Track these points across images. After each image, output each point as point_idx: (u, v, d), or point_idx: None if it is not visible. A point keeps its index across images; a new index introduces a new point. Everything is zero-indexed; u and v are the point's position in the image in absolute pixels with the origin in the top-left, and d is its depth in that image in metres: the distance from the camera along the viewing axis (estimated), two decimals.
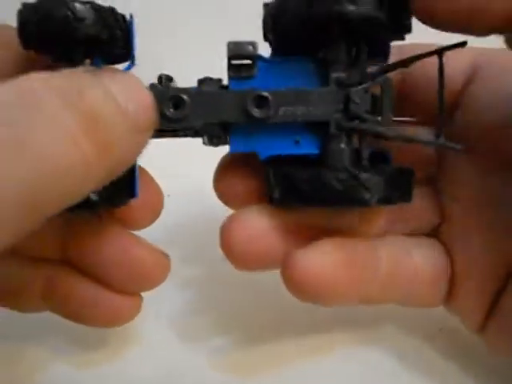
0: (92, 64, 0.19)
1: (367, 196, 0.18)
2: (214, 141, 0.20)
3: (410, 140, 0.19)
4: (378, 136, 0.19)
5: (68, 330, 0.24)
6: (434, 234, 0.23)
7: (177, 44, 0.34)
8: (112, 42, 0.18)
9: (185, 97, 0.19)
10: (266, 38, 0.20)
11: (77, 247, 0.21)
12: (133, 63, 0.19)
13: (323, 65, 0.19)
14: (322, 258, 0.19)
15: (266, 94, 0.19)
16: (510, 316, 0.21)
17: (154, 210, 0.21)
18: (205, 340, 0.25)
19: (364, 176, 0.18)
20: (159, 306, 0.25)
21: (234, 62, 0.19)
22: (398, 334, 0.25)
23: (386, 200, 0.18)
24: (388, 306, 0.24)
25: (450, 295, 0.22)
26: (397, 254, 0.21)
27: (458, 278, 0.22)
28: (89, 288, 0.21)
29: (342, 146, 0.19)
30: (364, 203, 0.18)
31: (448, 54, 0.18)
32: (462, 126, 0.21)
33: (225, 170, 0.21)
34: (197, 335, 0.25)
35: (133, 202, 0.20)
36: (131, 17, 0.19)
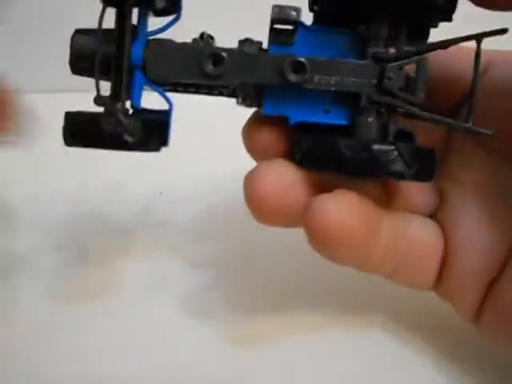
0: (139, 13, 0.20)
1: (376, 167, 0.18)
2: (247, 101, 0.21)
3: (440, 122, 0.19)
4: (408, 114, 0.20)
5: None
6: (431, 215, 0.23)
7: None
8: None
9: (224, 54, 0.19)
10: (311, 9, 0.20)
11: None
12: (179, 15, 0.20)
13: (362, 40, 0.20)
14: (342, 208, 0.19)
15: (303, 59, 0.19)
16: (506, 300, 0.21)
17: None
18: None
19: (377, 148, 0.18)
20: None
21: (277, 26, 0.20)
22: (396, 331, 0.25)
23: (403, 176, 0.19)
24: (386, 302, 0.25)
25: (442, 276, 0.22)
26: (397, 224, 0.22)
27: (451, 258, 0.22)
28: None
29: (371, 119, 0.20)
30: (373, 175, 0.19)
31: (465, 51, 0.19)
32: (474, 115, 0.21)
33: (257, 122, 0.21)
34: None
35: None
36: None
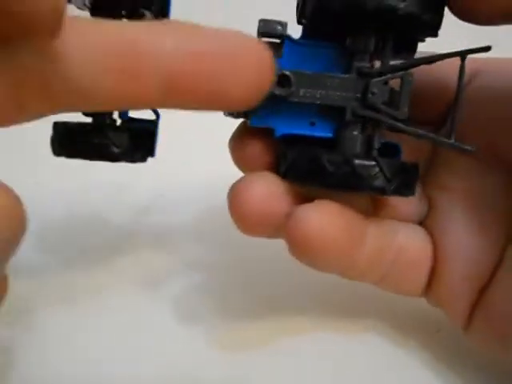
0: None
1: (357, 183, 0.19)
2: (234, 113, 0.21)
3: (423, 136, 0.19)
4: (392, 128, 0.20)
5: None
6: (420, 222, 0.23)
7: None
8: None
9: None
10: (299, 22, 0.21)
11: None
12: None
13: (348, 53, 0.20)
14: (323, 217, 0.20)
15: (288, 73, 0.19)
16: (496, 306, 0.21)
17: None
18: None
19: (358, 163, 0.19)
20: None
21: (263, 39, 0.20)
22: (395, 336, 0.25)
23: (384, 191, 0.19)
24: (385, 307, 0.25)
25: (431, 283, 0.23)
26: (384, 233, 0.22)
27: (441, 265, 0.22)
28: None
29: (355, 133, 0.20)
30: (355, 190, 0.19)
31: (451, 60, 0.19)
32: (460, 124, 0.21)
33: (243, 134, 0.22)
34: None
35: None
36: None
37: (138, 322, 0.25)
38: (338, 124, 0.20)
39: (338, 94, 0.20)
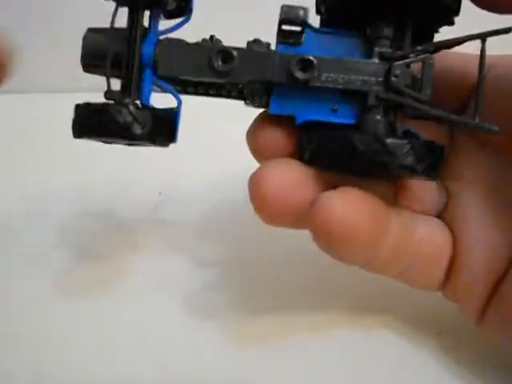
0: (150, 14, 0.20)
1: (389, 160, 0.18)
2: (255, 101, 0.21)
3: (447, 118, 0.19)
4: (415, 113, 0.20)
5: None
6: (438, 215, 0.23)
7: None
8: None
9: (234, 52, 0.20)
10: (318, 11, 0.21)
11: None
12: (189, 17, 0.21)
13: (369, 41, 0.20)
14: (347, 203, 0.19)
15: (311, 57, 0.20)
16: (511, 299, 0.20)
17: None
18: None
19: (390, 141, 0.18)
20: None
21: (285, 27, 0.20)
22: (396, 337, 0.25)
23: (414, 170, 0.19)
24: (387, 307, 0.24)
25: (450, 276, 0.22)
26: (406, 224, 0.21)
27: (460, 258, 0.22)
28: None
29: (378, 117, 0.20)
30: (386, 169, 0.19)
31: (466, 55, 0.19)
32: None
33: (262, 124, 0.21)
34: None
35: None
36: None
37: (139, 320, 0.25)
38: (360, 110, 0.20)
39: (361, 78, 0.20)
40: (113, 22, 0.20)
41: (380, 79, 0.20)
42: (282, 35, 0.20)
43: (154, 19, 0.20)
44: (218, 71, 0.20)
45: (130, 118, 0.18)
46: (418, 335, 0.24)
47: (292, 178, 0.20)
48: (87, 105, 0.19)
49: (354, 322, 0.25)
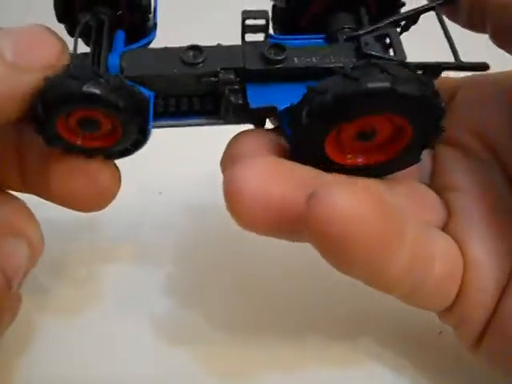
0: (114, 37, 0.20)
1: None
2: (231, 103, 0.20)
3: (432, 66, 0.19)
4: None
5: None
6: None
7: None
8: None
9: (204, 47, 0.20)
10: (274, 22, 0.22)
11: None
12: (153, 36, 0.21)
13: (332, 37, 0.21)
14: (349, 197, 0.16)
15: (282, 43, 0.20)
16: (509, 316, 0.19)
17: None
18: (193, 340, 0.24)
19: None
20: (145, 307, 0.25)
21: (249, 22, 0.20)
22: (397, 338, 0.24)
23: None
24: (387, 309, 0.24)
25: (460, 294, 0.20)
26: (422, 234, 0.19)
27: (468, 272, 0.20)
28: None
29: None
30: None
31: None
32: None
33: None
34: (186, 336, 0.25)
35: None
36: None
37: (137, 319, 0.25)
38: None
39: (333, 59, 0.20)
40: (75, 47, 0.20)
41: (353, 57, 0.20)
42: (248, 30, 0.20)
43: (117, 37, 0.20)
44: (190, 62, 0.19)
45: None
46: (418, 335, 0.24)
47: (270, 171, 0.18)
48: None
49: (349, 333, 0.24)
